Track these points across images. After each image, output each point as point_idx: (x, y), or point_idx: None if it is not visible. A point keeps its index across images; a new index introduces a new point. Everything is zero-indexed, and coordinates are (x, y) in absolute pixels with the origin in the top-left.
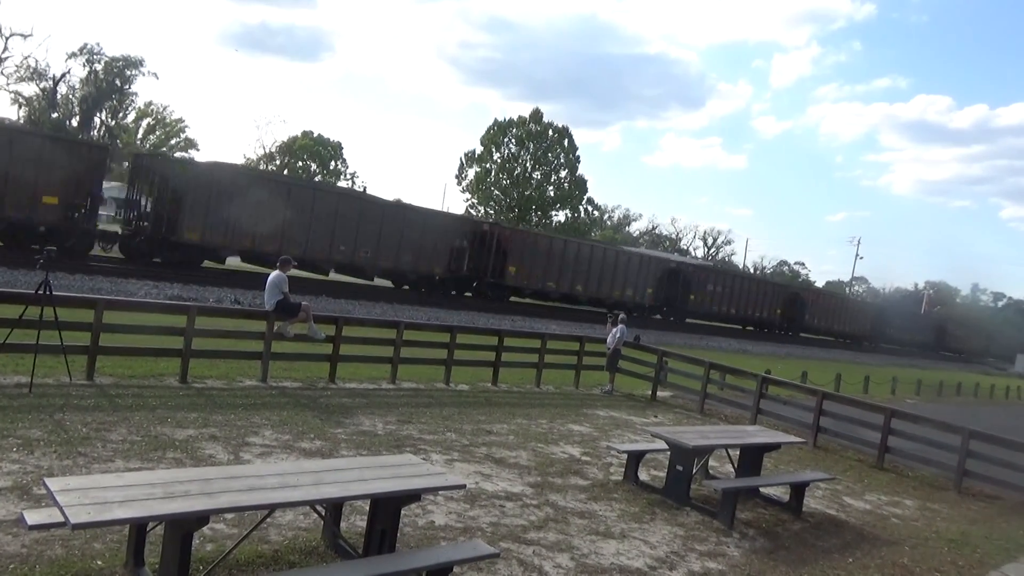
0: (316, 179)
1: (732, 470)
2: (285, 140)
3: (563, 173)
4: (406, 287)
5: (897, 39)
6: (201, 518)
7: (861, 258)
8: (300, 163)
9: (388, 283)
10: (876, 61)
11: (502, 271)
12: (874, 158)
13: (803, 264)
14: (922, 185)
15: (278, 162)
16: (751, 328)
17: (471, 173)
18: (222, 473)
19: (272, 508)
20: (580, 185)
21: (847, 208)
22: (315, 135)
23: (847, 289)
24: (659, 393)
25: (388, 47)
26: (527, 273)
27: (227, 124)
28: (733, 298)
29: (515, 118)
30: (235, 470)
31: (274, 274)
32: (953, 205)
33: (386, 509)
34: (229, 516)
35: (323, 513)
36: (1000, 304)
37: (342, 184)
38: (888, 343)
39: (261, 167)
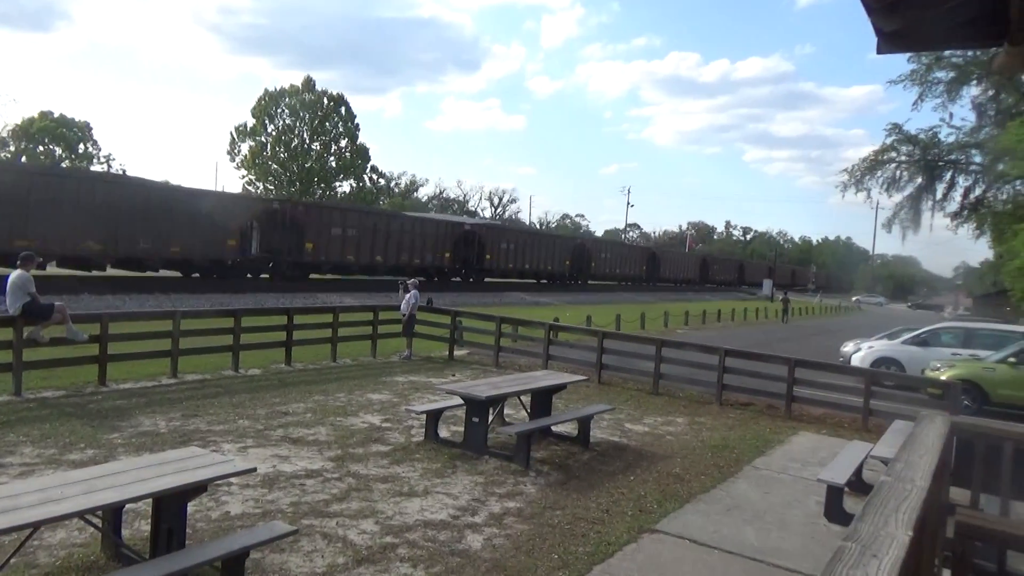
0: (64, 164)
1: (526, 415)
2: (19, 123)
3: (343, 143)
4: (196, 275)
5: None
6: None
7: (632, 206)
8: (41, 148)
9: (176, 273)
10: (633, 21)
11: (299, 249)
12: (637, 112)
13: (583, 216)
14: (679, 136)
15: (12, 148)
16: (545, 281)
17: (245, 148)
18: None
19: (34, 527)
20: (362, 154)
21: (618, 160)
22: (56, 116)
23: (622, 236)
24: (456, 352)
25: (136, 14)
26: (325, 249)
27: None
28: (526, 254)
29: (287, 87)
30: None
31: (15, 273)
32: (706, 152)
33: (170, 506)
34: None
35: (100, 524)
36: (748, 237)
37: (96, 168)
38: (662, 281)
39: None
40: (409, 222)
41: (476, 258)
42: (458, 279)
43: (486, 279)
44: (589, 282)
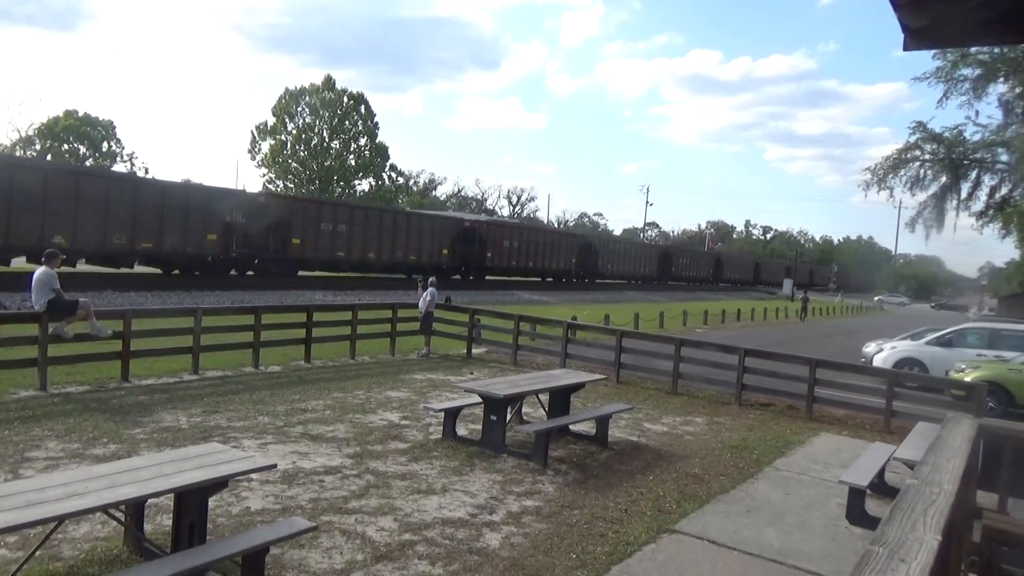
0: (87, 163)
1: (544, 414)
2: (45, 121)
3: (363, 141)
4: (176, 272)
5: None
6: None
7: (651, 204)
8: (66, 146)
9: (156, 270)
10: (654, 19)
11: (286, 245)
12: (658, 111)
13: (601, 215)
14: (700, 134)
15: (38, 147)
16: (421, 276)
17: (265, 146)
18: None
19: (59, 521)
20: (381, 152)
21: (638, 159)
22: (81, 114)
23: (640, 234)
24: (474, 350)
25: (160, 14)
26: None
27: None
28: (381, 239)
29: (307, 86)
30: (10, 487)
31: (40, 270)
32: (727, 150)
33: (191, 502)
34: (11, 539)
35: (123, 518)
36: (768, 236)
37: (119, 167)
38: (605, 277)
39: (18, 153)
40: (103, 181)
41: (281, 244)
42: (247, 274)
43: (300, 272)
44: (486, 277)
